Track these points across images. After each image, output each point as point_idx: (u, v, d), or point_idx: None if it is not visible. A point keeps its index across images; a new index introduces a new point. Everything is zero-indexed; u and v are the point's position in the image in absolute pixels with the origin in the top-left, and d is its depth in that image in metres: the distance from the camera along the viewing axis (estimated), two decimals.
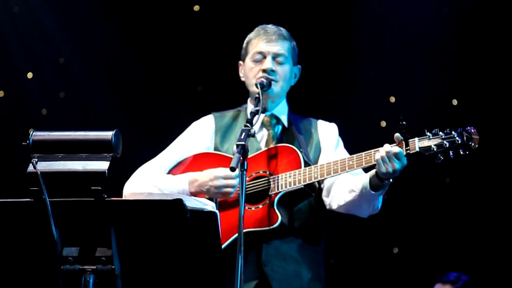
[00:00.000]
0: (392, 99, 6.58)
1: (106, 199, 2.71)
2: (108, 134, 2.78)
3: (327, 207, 4.05)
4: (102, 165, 2.73)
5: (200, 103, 6.53)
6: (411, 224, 6.43)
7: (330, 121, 4.29)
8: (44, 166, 2.73)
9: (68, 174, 2.73)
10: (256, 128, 4.09)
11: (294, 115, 4.26)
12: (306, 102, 5.96)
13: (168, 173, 4.12)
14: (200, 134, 4.19)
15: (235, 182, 3.88)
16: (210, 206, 2.90)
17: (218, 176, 3.90)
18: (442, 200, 6.44)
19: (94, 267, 2.76)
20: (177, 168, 4.12)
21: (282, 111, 4.21)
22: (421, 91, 6.48)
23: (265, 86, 4.00)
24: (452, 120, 6.37)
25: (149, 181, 4.03)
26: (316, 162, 4.06)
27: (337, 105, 6.56)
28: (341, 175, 3.90)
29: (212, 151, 4.13)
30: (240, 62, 4.24)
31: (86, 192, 2.71)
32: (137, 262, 2.85)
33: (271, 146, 4.06)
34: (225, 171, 3.88)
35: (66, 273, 2.75)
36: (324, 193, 4.05)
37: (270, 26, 4.22)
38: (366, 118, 6.48)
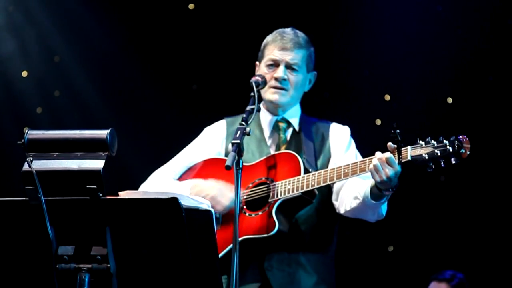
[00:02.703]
0: (387, 97, 6.58)
1: (102, 198, 2.71)
2: (103, 133, 2.78)
3: (337, 211, 4.06)
4: (98, 164, 2.73)
5: (195, 101, 6.53)
6: (406, 223, 6.44)
7: (325, 119, 4.28)
8: (39, 165, 2.72)
9: (63, 173, 2.73)
10: (267, 132, 4.14)
11: (308, 118, 4.25)
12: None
13: (179, 178, 4.15)
14: (211, 140, 4.20)
15: (227, 204, 3.90)
16: (206, 204, 2.90)
17: (219, 188, 3.93)
18: (437, 198, 6.45)
19: (90, 266, 2.76)
20: (187, 174, 4.15)
21: (293, 114, 4.20)
22: (416, 89, 6.49)
23: (260, 85, 3.99)
24: (447, 118, 6.38)
25: (154, 187, 4.07)
26: (324, 167, 4.04)
27: (332, 103, 6.57)
28: (350, 179, 3.88)
29: (222, 156, 4.14)
30: (257, 62, 4.23)
31: (82, 190, 2.70)
32: (133, 261, 2.85)
33: (281, 150, 4.08)
34: (228, 192, 3.90)
35: (62, 272, 2.75)
36: (333, 196, 4.06)
37: (288, 31, 4.19)
38: (361, 116, 6.48)
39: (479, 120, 6.31)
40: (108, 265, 2.75)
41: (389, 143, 3.72)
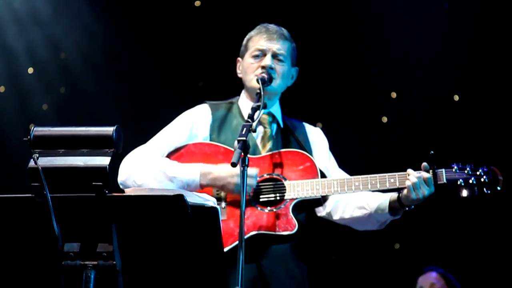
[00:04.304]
0: (394, 95, 6.57)
1: (107, 194, 2.71)
2: (109, 130, 2.78)
3: (321, 214, 4.12)
4: (103, 161, 2.72)
5: (201, 98, 6.51)
6: (412, 220, 6.42)
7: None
8: (45, 161, 2.72)
9: (69, 170, 2.72)
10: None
11: (283, 116, 4.28)
12: (309, 98, 5.95)
13: (167, 157, 4.09)
14: (199, 123, 4.17)
15: (255, 182, 3.89)
16: (211, 202, 2.89)
17: (239, 173, 3.89)
18: (443, 196, 6.43)
19: (95, 262, 2.76)
20: (175, 155, 4.08)
21: (277, 110, 4.23)
22: (422, 87, 6.48)
23: (266, 82, 4.00)
24: (453, 115, 6.37)
25: (155, 166, 3.97)
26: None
27: (339, 101, 6.56)
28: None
29: (208, 141, 4.12)
30: (239, 58, 4.25)
31: (87, 187, 2.70)
32: (138, 258, 2.85)
33: (269, 144, 4.08)
34: (250, 170, 3.84)
35: (67, 269, 2.75)
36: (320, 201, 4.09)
37: (271, 25, 4.24)
38: (368, 114, 6.48)
39: (485, 117, 6.30)
40: (114, 262, 2.75)
41: (424, 164, 3.87)
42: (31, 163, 2.72)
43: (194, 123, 4.18)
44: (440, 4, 6.48)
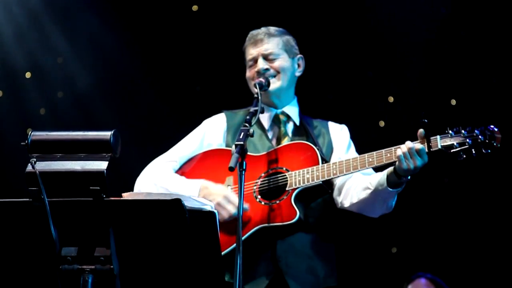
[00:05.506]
0: (391, 99, 6.58)
1: (105, 199, 2.71)
2: (107, 134, 2.78)
3: (338, 205, 4.08)
4: (101, 165, 2.73)
5: (198, 103, 6.53)
6: (409, 224, 6.44)
7: (329, 121, 4.30)
8: (42, 166, 2.73)
9: (67, 174, 2.73)
10: (266, 125, 4.16)
11: (305, 116, 4.28)
12: (306, 102, 5.95)
13: (180, 168, 4.14)
14: (212, 132, 4.22)
15: (234, 212, 3.86)
16: (209, 206, 2.90)
17: (226, 195, 3.90)
18: (440, 200, 6.44)
19: (93, 267, 2.76)
20: (187, 165, 4.14)
21: (292, 109, 4.25)
22: (419, 91, 6.48)
23: (264, 86, 4.02)
24: (451, 120, 6.37)
25: (159, 182, 4.04)
26: (328, 160, 4.08)
27: (336, 105, 6.56)
28: (354, 174, 3.93)
29: (223, 147, 4.15)
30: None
31: (85, 192, 2.71)
32: (136, 262, 2.85)
33: (284, 143, 4.10)
34: (236, 199, 3.85)
35: (65, 273, 2.75)
36: (335, 192, 4.09)
37: (259, 29, 4.26)
38: (365, 118, 6.48)
39: (482, 122, 6.30)
40: (112, 266, 2.76)
41: (420, 130, 3.80)
42: (29, 168, 2.72)
43: (206, 132, 4.22)
44: (437, 9, 6.48)
